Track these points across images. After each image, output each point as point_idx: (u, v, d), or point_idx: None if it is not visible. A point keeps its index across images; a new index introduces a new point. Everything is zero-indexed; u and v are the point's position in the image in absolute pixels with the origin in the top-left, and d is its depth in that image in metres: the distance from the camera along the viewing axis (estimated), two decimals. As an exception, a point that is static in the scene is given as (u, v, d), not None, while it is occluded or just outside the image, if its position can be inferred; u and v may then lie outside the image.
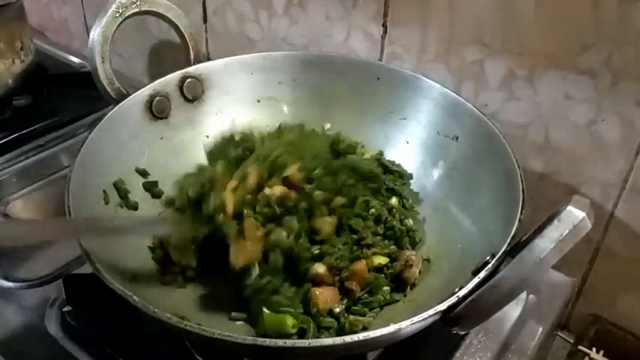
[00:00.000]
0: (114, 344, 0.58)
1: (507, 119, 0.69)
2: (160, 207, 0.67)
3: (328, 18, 0.79)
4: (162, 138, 0.69)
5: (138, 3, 0.67)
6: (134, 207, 0.63)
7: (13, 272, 0.67)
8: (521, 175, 0.56)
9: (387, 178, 0.69)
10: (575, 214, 0.46)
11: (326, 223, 0.59)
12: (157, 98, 0.68)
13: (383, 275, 0.60)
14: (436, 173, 0.69)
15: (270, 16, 0.85)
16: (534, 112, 0.67)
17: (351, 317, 0.56)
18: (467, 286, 0.46)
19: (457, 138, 0.67)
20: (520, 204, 0.53)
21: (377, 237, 0.62)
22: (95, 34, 0.65)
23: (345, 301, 0.57)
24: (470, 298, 0.46)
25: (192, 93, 0.71)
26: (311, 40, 0.83)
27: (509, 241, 0.50)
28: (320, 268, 0.57)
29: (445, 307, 0.46)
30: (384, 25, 0.75)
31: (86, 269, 0.54)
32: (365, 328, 0.55)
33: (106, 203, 0.60)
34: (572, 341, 0.69)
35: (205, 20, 0.93)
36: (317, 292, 0.55)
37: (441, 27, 0.70)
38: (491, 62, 0.68)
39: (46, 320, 0.62)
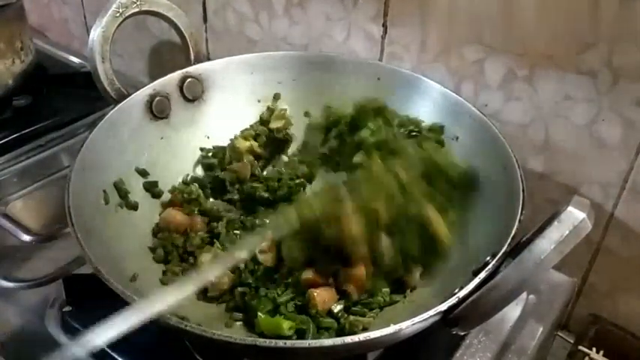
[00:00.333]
0: (114, 344, 0.58)
1: (507, 119, 0.69)
2: (160, 207, 0.67)
3: (328, 18, 0.79)
4: (162, 138, 0.69)
5: (138, 3, 0.67)
6: (134, 207, 0.63)
7: (13, 272, 0.67)
8: (521, 175, 0.56)
9: None
10: (575, 214, 0.46)
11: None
12: (157, 98, 0.68)
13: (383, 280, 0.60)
14: (436, 173, 0.69)
15: (270, 16, 0.85)
16: (534, 112, 0.67)
17: (351, 317, 0.56)
18: (467, 287, 0.46)
19: (457, 138, 0.67)
20: (520, 204, 0.53)
21: None
22: (95, 34, 0.65)
23: (344, 302, 0.57)
24: (470, 299, 0.46)
25: (193, 93, 0.71)
26: (311, 40, 0.83)
27: (509, 241, 0.50)
28: (308, 274, 0.57)
29: (445, 307, 0.46)
30: (384, 25, 0.75)
31: (86, 269, 0.54)
32: (365, 329, 0.55)
33: (106, 203, 0.60)
34: (572, 341, 0.69)
35: (205, 20, 0.93)
36: (315, 294, 0.55)
37: (441, 27, 0.70)
38: (491, 62, 0.68)
39: (46, 320, 0.61)
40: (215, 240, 0.63)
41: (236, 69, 0.74)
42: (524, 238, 0.48)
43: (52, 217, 0.75)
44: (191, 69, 0.71)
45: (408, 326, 0.44)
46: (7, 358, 0.59)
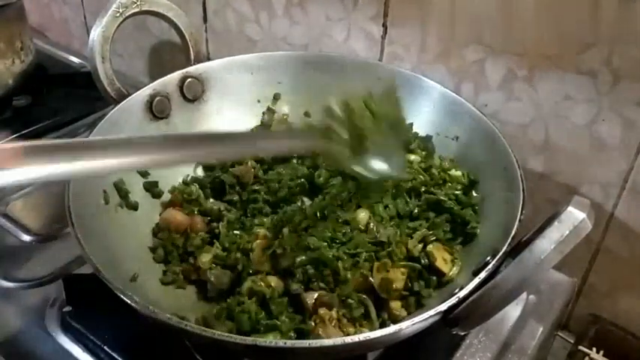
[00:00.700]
0: (114, 344, 0.58)
1: (507, 119, 0.69)
2: (160, 207, 0.67)
3: (328, 18, 0.79)
4: (162, 138, 0.69)
5: (138, 3, 0.67)
6: (134, 207, 0.63)
7: (13, 272, 0.67)
8: (521, 175, 0.56)
9: None
10: (575, 214, 0.46)
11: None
12: (157, 98, 0.68)
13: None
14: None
15: (270, 16, 0.85)
16: (534, 112, 0.67)
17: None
18: (467, 287, 0.46)
19: (457, 138, 0.67)
20: (520, 204, 0.53)
21: None
22: (95, 34, 0.65)
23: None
24: (470, 299, 0.46)
25: (193, 93, 0.71)
26: (311, 40, 0.83)
27: (509, 241, 0.50)
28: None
29: (445, 307, 0.46)
30: (384, 26, 0.75)
31: (86, 269, 0.54)
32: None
33: (106, 203, 0.60)
34: (572, 341, 0.69)
35: (205, 20, 0.93)
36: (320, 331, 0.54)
37: (441, 27, 0.70)
38: (492, 62, 0.68)
39: (46, 320, 0.62)
40: (215, 240, 0.63)
41: (236, 69, 0.74)
42: (524, 238, 0.48)
43: (52, 217, 0.75)
44: (191, 69, 0.71)
45: (408, 326, 0.44)
46: (7, 358, 0.59)
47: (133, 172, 0.65)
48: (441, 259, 0.58)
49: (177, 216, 0.64)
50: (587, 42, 0.60)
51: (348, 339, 0.43)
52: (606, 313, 0.70)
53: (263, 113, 0.76)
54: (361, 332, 0.53)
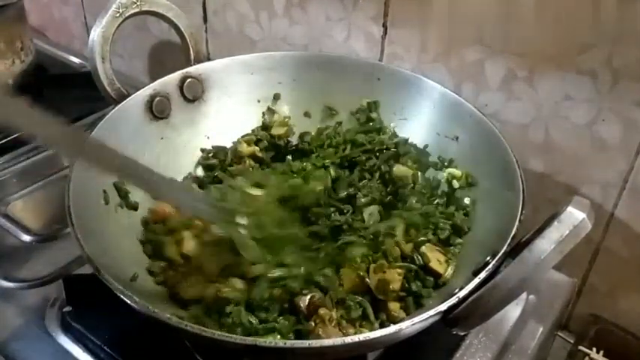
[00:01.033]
0: (114, 344, 0.58)
1: (507, 119, 0.69)
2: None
3: (328, 18, 0.79)
4: (162, 138, 0.69)
5: (138, 3, 0.67)
6: (134, 207, 0.63)
7: (13, 272, 0.67)
8: (521, 175, 0.56)
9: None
10: (575, 214, 0.46)
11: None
12: (157, 98, 0.68)
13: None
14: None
15: (270, 16, 0.85)
16: (534, 112, 0.67)
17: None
18: (467, 287, 0.46)
19: (457, 138, 0.67)
20: (520, 204, 0.53)
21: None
22: (95, 34, 0.65)
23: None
24: (470, 299, 0.46)
25: (193, 93, 0.71)
26: (311, 40, 0.83)
27: (509, 241, 0.50)
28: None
29: (445, 307, 0.46)
30: (384, 26, 0.75)
31: (86, 269, 0.54)
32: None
33: (106, 203, 0.60)
34: (572, 341, 0.69)
35: (205, 20, 0.93)
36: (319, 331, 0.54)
37: (441, 27, 0.70)
38: (492, 62, 0.68)
39: (46, 320, 0.62)
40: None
41: (236, 69, 0.74)
42: (524, 238, 0.48)
43: (52, 217, 0.75)
44: (191, 69, 0.71)
45: (407, 326, 0.44)
46: (7, 358, 0.59)
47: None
48: (435, 260, 0.58)
49: (165, 208, 0.64)
50: (587, 42, 0.60)
51: (348, 339, 0.43)
52: (606, 313, 0.70)
53: (263, 113, 0.76)
54: (361, 332, 0.53)
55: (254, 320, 0.54)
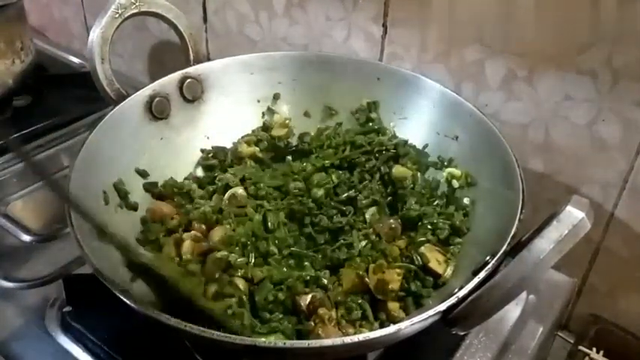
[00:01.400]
0: (114, 344, 0.58)
1: (507, 119, 0.69)
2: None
3: (328, 18, 0.79)
4: (162, 138, 0.69)
5: (137, 4, 0.67)
6: (134, 207, 0.63)
7: (13, 272, 0.67)
8: (521, 175, 0.56)
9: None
10: (574, 214, 0.46)
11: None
12: (157, 99, 0.68)
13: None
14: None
15: (270, 16, 0.85)
16: (534, 112, 0.67)
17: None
18: (467, 287, 0.46)
19: (457, 138, 0.67)
20: (520, 204, 0.53)
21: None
22: (95, 34, 0.65)
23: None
24: (470, 299, 0.46)
25: (192, 93, 0.71)
26: (311, 40, 0.83)
27: (509, 241, 0.50)
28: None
29: (445, 307, 0.46)
30: (384, 26, 0.75)
31: (86, 269, 0.54)
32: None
33: (106, 203, 0.60)
34: (572, 341, 0.69)
35: (205, 20, 0.93)
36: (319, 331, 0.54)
37: (441, 27, 0.70)
38: (491, 62, 0.68)
39: (46, 320, 0.62)
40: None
41: (236, 69, 0.74)
42: (523, 238, 0.48)
43: (52, 217, 0.75)
44: (191, 69, 0.71)
45: (407, 326, 0.44)
46: (7, 358, 0.59)
47: (133, 172, 0.65)
48: (435, 260, 0.58)
49: (164, 208, 0.64)
50: (587, 42, 0.60)
51: (348, 339, 0.43)
52: (606, 313, 0.70)
53: (263, 114, 0.76)
54: (361, 332, 0.53)
55: (257, 322, 0.54)
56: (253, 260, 0.58)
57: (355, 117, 0.74)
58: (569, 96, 0.64)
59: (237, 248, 0.59)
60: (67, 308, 0.62)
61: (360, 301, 0.56)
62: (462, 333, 0.54)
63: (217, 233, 0.61)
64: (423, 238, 0.60)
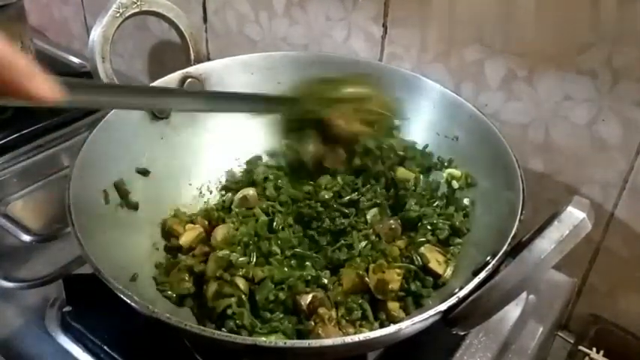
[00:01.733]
0: (114, 344, 0.58)
1: (507, 119, 0.69)
2: (160, 208, 0.67)
3: (328, 18, 0.79)
4: (162, 138, 0.69)
5: (138, 3, 0.67)
6: (134, 207, 0.63)
7: (13, 272, 0.67)
8: (521, 175, 0.56)
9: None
10: (575, 214, 0.46)
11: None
12: (157, 98, 0.68)
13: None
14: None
15: (270, 16, 0.85)
16: (534, 112, 0.67)
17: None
18: (467, 287, 0.46)
19: (457, 138, 0.67)
20: (520, 204, 0.53)
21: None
22: (95, 34, 0.65)
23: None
24: (470, 299, 0.46)
25: (193, 93, 0.71)
26: (311, 41, 0.83)
27: (509, 241, 0.50)
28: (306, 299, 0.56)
29: (445, 307, 0.46)
30: (384, 26, 0.75)
31: (86, 269, 0.54)
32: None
33: (107, 203, 0.60)
34: (572, 341, 0.69)
35: (205, 20, 0.93)
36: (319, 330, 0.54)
37: (441, 27, 0.70)
38: (492, 62, 0.68)
39: (46, 320, 0.62)
40: None
41: (236, 69, 0.74)
42: (524, 238, 0.48)
43: (52, 217, 0.75)
44: (191, 69, 0.71)
45: (407, 326, 0.44)
46: (7, 358, 0.59)
47: (133, 172, 0.65)
48: (435, 260, 0.58)
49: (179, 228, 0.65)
50: (587, 42, 0.60)
51: (348, 339, 0.43)
52: (606, 313, 0.70)
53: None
54: (361, 332, 0.53)
55: (257, 322, 0.54)
56: (255, 260, 0.58)
57: None
58: (569, 96, 0.64)
59: (239, 247, 0.59)
60: (67, 308, 0.62)
61: (360, 301, 0.56)
62: (463, 333, 0.54)
63: (220, 232, 0.61)
64: (423, 239, 0.60)
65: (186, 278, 0.60)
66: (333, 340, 0.44)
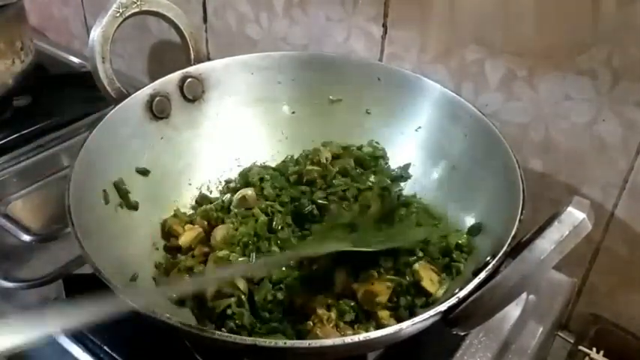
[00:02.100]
0: (114, 344, 0.58)
1: (507, 119, 0.69)
2: (160, 208, 0.67)
3: (328, 19, 0.79)
4: (162, 138, 0.69)
5: (138, 3, 0.67)
6: (134, 207, 0.63)
7: (13, 272, 0.67)
8: (521, 175, 0.56)
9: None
10: (575, 215, 0.46)
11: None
12: (158, 98, 0.68)
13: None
14: (436, 174, 0.69)
15: (270, 16, 0.85)
16: (534, 112, 0.67)
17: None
18: (467, 287, 0.46)
19: (457, 138, 0.67)
20: (520, 204, 0.53)
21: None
22: (95, 33, 0.65)
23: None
24: (470, 299, 0.46)
25: (193, 93, 0.71)
26: (311, 41, 0.83)
27: (509, 241, 0.50)
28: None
29: (445, 307, 0.46)
30: (384, 26, 0.75)
31: (86, 269, 0.54)
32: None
33: (106, 203, 0.60)
34: (572, 341, 0.69)
35: (205, 20, 0.93)
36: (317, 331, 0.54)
37: (441, 27, 0.70)
38: (492, 62, 0.68)
39: (46, 320, 0.62)
40: None
41: (236, 69, 0.74)
42: (524, 238, 0.48)
43: (52, 217, 0.75)
44: (191, 69, 0.71)
45: (408, 326, 0.44)
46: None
47: (133, 172, 0.65)
48: (428, 279, 0.57)
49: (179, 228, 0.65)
50: (587, 42, 0.60)
51: (349, 339, 0.43)
52: (606, 313, 0.70)
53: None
54: (360, 333, 0.53)
55: (257, 322, 0.54)
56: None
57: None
58: (569, 96, 0.64)
59: (238, 248, 0.59)
60: (67, 308, 0.62)
61: (352, 304, 0.56)
62: (463, 333, 0.54)
63: (220, 232, 0.61)
64: (414, 258, 0.59)
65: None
66: (333, 340, 0.44)
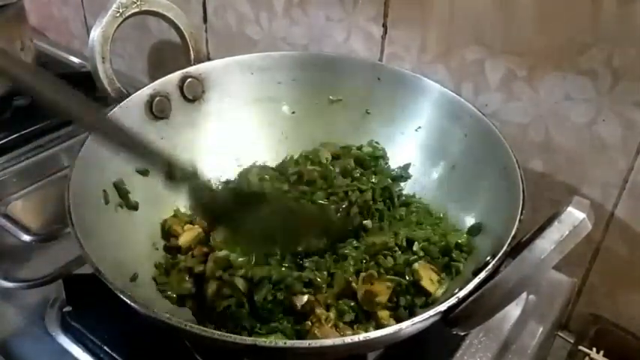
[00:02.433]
0: (114, 344, 0.58)
1: (507, 119, 0.69)
2: (160, 209, 0.67)
3: (328, 19, 0.79)
4: (162, 138, 0.69)
5: (138, 3, 0.67)
6: (134, 207, 0.63)
7: (13, 272, 0.67)
8: (521, 175, 0.56)
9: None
10: (575, 215, 0.46)
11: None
12: (158, 98, 0.68)
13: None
14: (436, 173, 0.69)
15: (270, 16, 0.85)
16: (534, 112, 0.67)
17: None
18: (467, 287, 0.46)
19: (457, 138, 0.67)
20: (520, 204, 0.53)
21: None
22: (95, 33, 0.65)
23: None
24: (470, 299, 0.46)
25: (193, 93, 0.71)
26: (311, 41, 0.83)
27: (509, 241, 0.50)
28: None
29: (445, 307, 0.46)
30: (384, 26, 0.75)
31: (86, 269, 0.54)
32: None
33: (106, 203, 0.60)
34: (572, 341, 0.69)
35: (205, 20, 0.93)
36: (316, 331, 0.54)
37: (441, 27, 0.70)
38: (491, 62, 0.68)
39: (46, 320, 0.62)
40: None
41: (236, 69, 0.74)
42: (524, 239, 0.48)
43: (52, 217, 0.75)
44: (191, 69, 0.71)
45: (408, 326, 0.44)
46: (7, 358, 0.59)
47: (133, 172, 0.65)
48: (428, 279, 0.57)
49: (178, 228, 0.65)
50: (587, 42, 0.60)
51: (349, 339, 0.43)
52: (606, 313, 0.70)
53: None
54: (359, 333, 0.53)
55: (257, 322, 0.54)
56: (254, 260, 0.58)
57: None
58: (569, 96, 0.64)
59: (238, 248, 0.59)
60: (67, 308, 0.62)
61: (352, 304, 0.56)
62: (463, 333, 0.54)
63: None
64: (414, 257, 0.59)
65: (186, 278, 0.60)
66: (333, 340, 0.44)
